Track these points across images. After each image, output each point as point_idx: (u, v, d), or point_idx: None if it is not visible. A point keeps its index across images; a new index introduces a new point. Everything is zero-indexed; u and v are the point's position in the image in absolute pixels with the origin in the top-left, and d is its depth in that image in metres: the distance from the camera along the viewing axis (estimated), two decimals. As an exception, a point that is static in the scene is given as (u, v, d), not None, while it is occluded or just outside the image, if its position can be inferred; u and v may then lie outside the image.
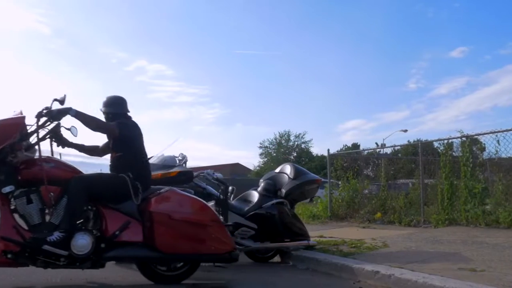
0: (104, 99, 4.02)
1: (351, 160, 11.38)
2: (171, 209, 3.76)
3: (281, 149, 51.80)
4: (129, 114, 4.11)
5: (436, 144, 10.33)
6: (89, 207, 3.67)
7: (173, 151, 5.29)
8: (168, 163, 4.93)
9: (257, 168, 53.98)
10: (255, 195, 5.26)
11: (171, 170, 4.80)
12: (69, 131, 3.76)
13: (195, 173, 4.97)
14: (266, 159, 52.92)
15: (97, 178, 3.80)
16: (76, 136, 3.81)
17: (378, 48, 71.86)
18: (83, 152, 4.19)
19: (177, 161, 4.98)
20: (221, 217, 4.97)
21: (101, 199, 3.68)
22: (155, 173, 4.77)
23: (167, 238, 3.68)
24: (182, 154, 5.09)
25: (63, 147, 3.91)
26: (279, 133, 51.88)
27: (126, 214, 3.68)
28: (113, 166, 3.92)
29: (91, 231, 3.58)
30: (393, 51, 71.93)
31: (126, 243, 3.63)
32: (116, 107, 4.00)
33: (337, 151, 25.59)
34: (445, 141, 8.44)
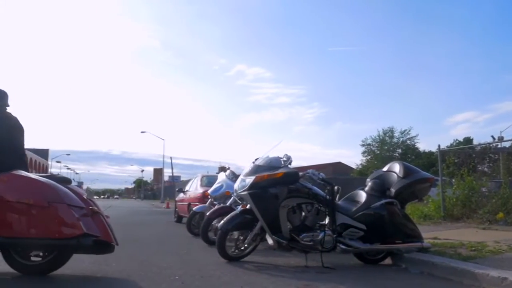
0: None
1: (465, 156, 10.55)
2: (5, 190, 3.65)
3: (385, 147, 49.79)
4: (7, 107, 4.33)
5: None
6: None
7: (277, 152, 5.36)
8: (273, 164, 5.00)
9: (360, 166, 52.62)
10: (362, 195, 5.11)
11: (277, 172, 4.86)
12: None
13: (300, 174, 4.97)
14: (369, 157, 51.33)
15: None
16: None
17: (488, 33, 65.78)
18: None
19: (282, 162, 5.02)
20: (327, 218, 4.95)
21: None
22: (260, 175, 4.88)
23: (1, 221, 3.58)
24: (286, 155, 5.12)
25: None
26: (382, 129, 50.02)
27: None
28: None
29: None
30: (507, 34, 65.22)
31: None
32: None
33: (447, 146, 23.90)
34: None
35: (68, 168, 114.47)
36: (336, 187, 5.06)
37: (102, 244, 3.88)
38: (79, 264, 4.57)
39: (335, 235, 4.85)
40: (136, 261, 4.91)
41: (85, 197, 4.05)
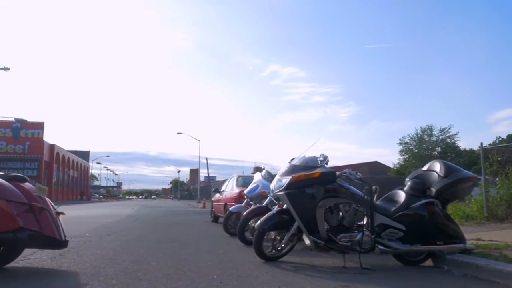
0: None
1: (509, 154, 10.14)
2: None
3: (423, 145, 48.51)
4: None
5: None
6: None
7: (312, 152, 5.32)
8: (310, 164, 4.97)
9: (397, 166, 51.53)
10: (401, 195, 5.00)
11: (314, 171, 4.82)
12: None
13: (337, 173, 4.91)
14: (406, 156, 50.17)
15: None
16: None
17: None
18: None
19: (319, 162, 4.98)
20: (365, 218, 4.87)
21: None
22: (297, 174, 4.86)
23: None
24: (323, 154, 5.07)
25: None
26: (420, 127, 48.79)
27: None
28: None
29: None
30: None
31: None
32: None
33: (489, 144, 23.05)
34: None
35: (107, 169, 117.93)
36: (374, 187, 4.98)
37: (46, 239, 4.13)
38: (120, 263, 4.70)
39: (373, 236, 4.77)
40: (175, 260, 4.99)
41: (34, 194, 4.30)
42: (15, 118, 51.31)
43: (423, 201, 4.82)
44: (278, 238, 5.06)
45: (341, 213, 4.90)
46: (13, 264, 4.44)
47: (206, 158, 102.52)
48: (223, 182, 17.57)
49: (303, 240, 4.97)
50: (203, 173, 70.11)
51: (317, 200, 4.73)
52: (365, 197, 4.80)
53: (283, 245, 5.03)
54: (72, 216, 15.23)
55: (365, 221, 4.88)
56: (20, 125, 52.71)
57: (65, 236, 4.40)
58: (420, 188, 4.98)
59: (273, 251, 5.07)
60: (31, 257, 4.95)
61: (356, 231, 4.78)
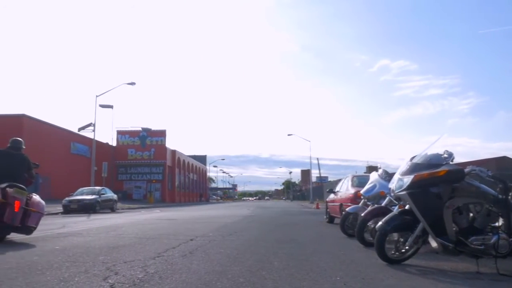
0: None
1: None
2: None
3: None
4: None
5: None
6: None
7: (435, 149, 5.01)
8: (433, 161, 4.68)
9: (532, 160, 45.98)
10: (544, 194, 4.47)
11: (439, 169, 4.53)
12: None
13: (465, 170, 4.55)
14: (543, 149, 44.54)
15: None
16: None
17: None
18: None
19: (443, 159, 4.67)
20: (500, 219, 4.46)
21: None
22: (420, 173, 4.61)
23: None
24: (447, 151, 4.74)
25: None
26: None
27: None
28: None
29: None
30: None
31: None
32: None
33: None
34: None
35: (223, 172, 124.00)
36: (510, 185, 4.52)
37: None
38: (244, 262, 4.91)
39: (511, 239, 4.34)
40: (296, 260, 5.07)
41: (10, 195, 6.83)
42: (141, 128, 56.67)
43: None
44: (402, 240, 4.86)
45: (471, 214, 4.54)
46: (151, 260, 4.90)
47: (317, 159, 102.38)
48: (335, 182, 17.38)
49: (428, 243, 4.71)
50: (314, 174, 70.21)
51: (444, 200, 4.44)
52: (500, 196, 4.38)
53: (407, 248, 4.81)
54: (196, 217, 16.34)
55: (500, 223, 4.46)
56: (146, 133, 58.14)
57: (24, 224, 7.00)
58: None
59: (397, 253, 4.88)
60: (165, 254, 5.40)
61: (490, 234, 4.39)
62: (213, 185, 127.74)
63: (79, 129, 32.89)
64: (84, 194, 23.66)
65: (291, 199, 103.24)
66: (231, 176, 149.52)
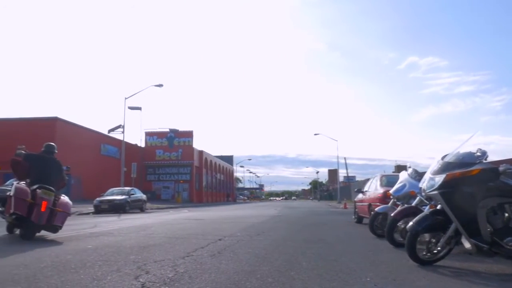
0: None
1: None
2: None
3: None
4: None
5: None
6: None
7: (467, 147, 4.87)
8: (466, 160, 4.55)
9: None
10: None
11: (472, 168, 4.40)
12: None
13: (500, 169, 4.40)
14: None
15: None
16: None
17: None
18: None
19: (477, 158, 4.54)
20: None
21: None
22: (452, 172, 4.50)
23: None
24: (481, 149, 4.60)
25: None
26: None
27: None
28: None
29: None
30: None
31: None
32: None
33: None
34: None
35: (250, 172, 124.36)
36: (547, 184, 4.36)
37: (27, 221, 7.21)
38: (273, 262, 4.91)
39: (548, 240, 4.18)
40: (325, 261, 5.03)
41: (38, 196, 7.29)
42: (169, 129, 57.43)
43: None
44: (433, 240, 4.75)
45: (507, 214, 4.40)
46: (181, 260, 4.96)
47: (345, 158, 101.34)
48: (363, 182, 17.15)
49: (461, 244, 4.60)
50: (342, 173, 69.56)
51: (478, 199, 4.32)
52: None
53: (439, 248, 4.71)
54: (223, 217, 16.43)
55: (538, 224, 4.31)
56: (173, 134, 58.88)
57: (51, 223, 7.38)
58: None
59: (428, 254, 4.78)
60: (194, 254, 5.46)
61: (526, 235, 4.24)
62: (240, 185, 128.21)
63: (109, 131, 33.63)
64: (115, 195, 24.16)
65: (318, 199, 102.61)
66: (258, 176, 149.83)
